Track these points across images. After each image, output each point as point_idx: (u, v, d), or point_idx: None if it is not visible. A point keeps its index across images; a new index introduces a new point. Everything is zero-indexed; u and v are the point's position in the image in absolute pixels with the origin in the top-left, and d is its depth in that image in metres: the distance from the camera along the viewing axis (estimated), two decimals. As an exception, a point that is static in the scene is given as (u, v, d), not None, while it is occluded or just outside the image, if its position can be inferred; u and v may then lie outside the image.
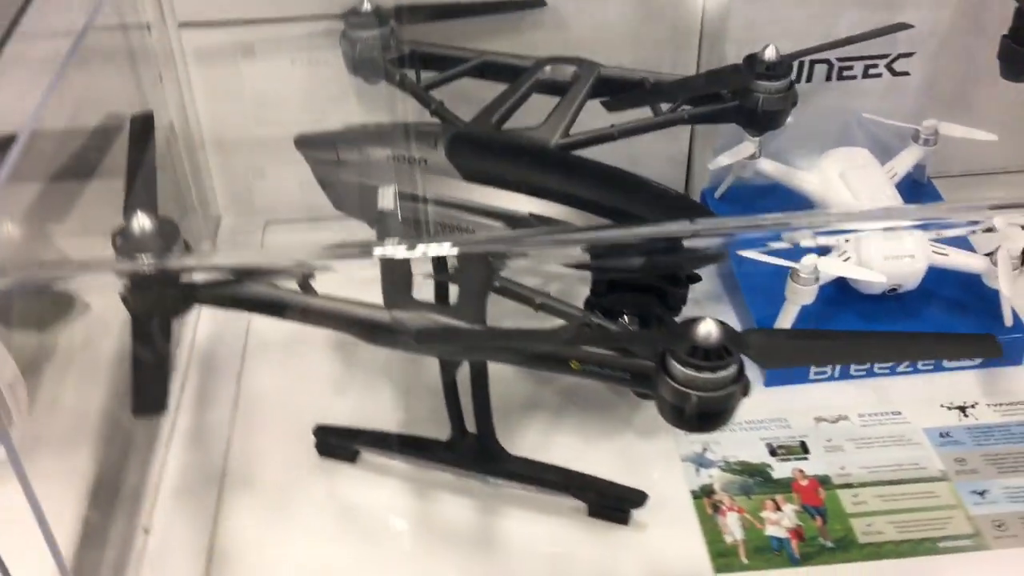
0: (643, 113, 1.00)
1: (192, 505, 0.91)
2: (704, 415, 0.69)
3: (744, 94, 0.98)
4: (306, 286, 0.76)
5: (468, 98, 1.04)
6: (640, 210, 0.87)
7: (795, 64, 1.09)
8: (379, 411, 0.99)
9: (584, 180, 0.90)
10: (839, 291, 1.03)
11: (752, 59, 0.98)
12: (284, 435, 0.97)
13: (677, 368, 0.68)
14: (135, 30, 1.08)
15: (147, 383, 0.74)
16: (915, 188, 1.16)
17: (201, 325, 1.10)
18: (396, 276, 0.79)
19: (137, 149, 0.85)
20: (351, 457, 0.95)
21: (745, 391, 0.69)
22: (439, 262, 0.81)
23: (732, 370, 0.68)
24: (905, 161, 1.10)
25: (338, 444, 0.95)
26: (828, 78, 1.12)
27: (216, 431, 0.99)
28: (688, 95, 1.00)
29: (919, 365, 1.02)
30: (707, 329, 0.67)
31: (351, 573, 0.86)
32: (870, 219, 0.87)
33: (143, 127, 0.88)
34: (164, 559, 0.87)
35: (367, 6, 1.06)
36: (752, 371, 1.02)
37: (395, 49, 1.07)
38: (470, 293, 0.77)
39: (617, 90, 1.02)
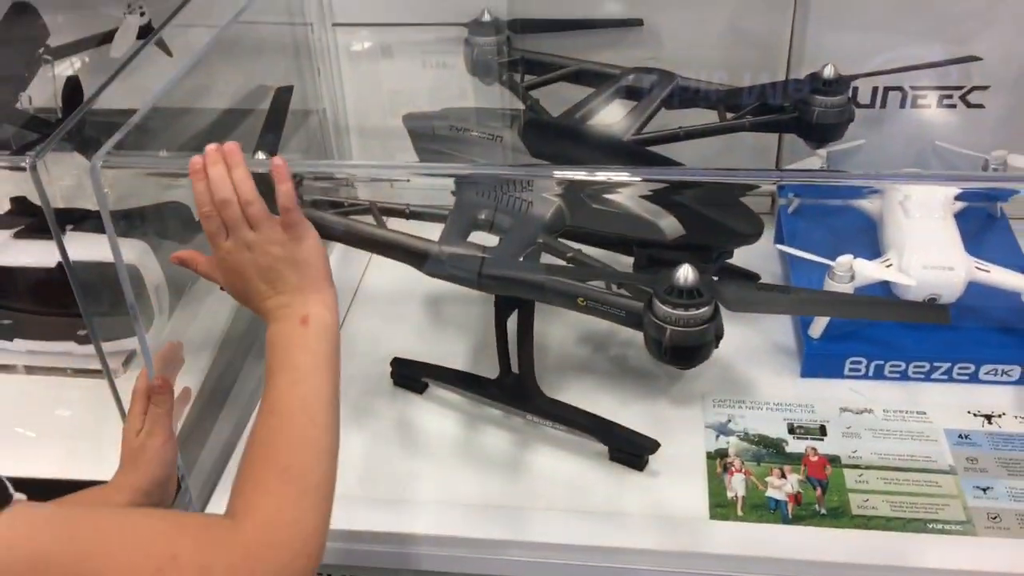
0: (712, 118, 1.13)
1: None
2: (679, 349, 0.80)
3: (802, 107, 1.08)
4: (376, 219, 0.93)
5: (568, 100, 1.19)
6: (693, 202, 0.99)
7: (872, 90, 1.18)
8: (452, 355, 1.15)
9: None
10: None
11: (813, 76, 1.08)
12: (369, 366, 1.14)
13: (658, 306, 0.79)
14: (300, 27, 1.31)
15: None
16: (988, 221, 1.21)
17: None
18: (460, 220, 0.95)
19: (275, 108, 1.06)
20: (419, 389, 1.11)
21: (718, 333, 0.80)
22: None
23: (705, 310, 0.79)
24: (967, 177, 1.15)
25: (409, 375, 1.11)
26: (902, 105, 1.19)
27: (316, 357, 1.17)
28: (750, 106, 1.11)
29: (955, 374, 1.06)
30: (685, 273, 0.79)
31: (402, 471, 1.02)
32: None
33: (283, 95, 1.09)
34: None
35: (487, 17, 1.23)
36: (790, 362, 1.12)
37: (508, 55, 1.24)
38: (512, 240, 0.92)
39: (691, 97, 1.14)
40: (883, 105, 1.20)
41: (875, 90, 1.19)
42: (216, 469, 1.04)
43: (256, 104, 1.21)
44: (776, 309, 0.95)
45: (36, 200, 0.84)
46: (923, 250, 1.05)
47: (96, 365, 0.98)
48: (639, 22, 1.23)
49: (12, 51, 1.22)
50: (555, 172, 0.85)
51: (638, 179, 0.92)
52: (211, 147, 0.77)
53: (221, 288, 0.83)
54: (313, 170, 0.96)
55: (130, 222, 1.07)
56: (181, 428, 1.01)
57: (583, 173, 0.82)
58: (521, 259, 0.94)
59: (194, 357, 1.12)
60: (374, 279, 1.30)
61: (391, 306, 1.24)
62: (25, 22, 1.23)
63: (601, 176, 0.76)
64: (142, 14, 1.24)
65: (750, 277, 1.15)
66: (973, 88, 1.17)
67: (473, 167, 0.99)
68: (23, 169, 0.76)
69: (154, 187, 1.14)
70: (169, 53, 1.14)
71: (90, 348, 1.01)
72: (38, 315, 1.10)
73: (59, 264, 0.90)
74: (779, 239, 1.22)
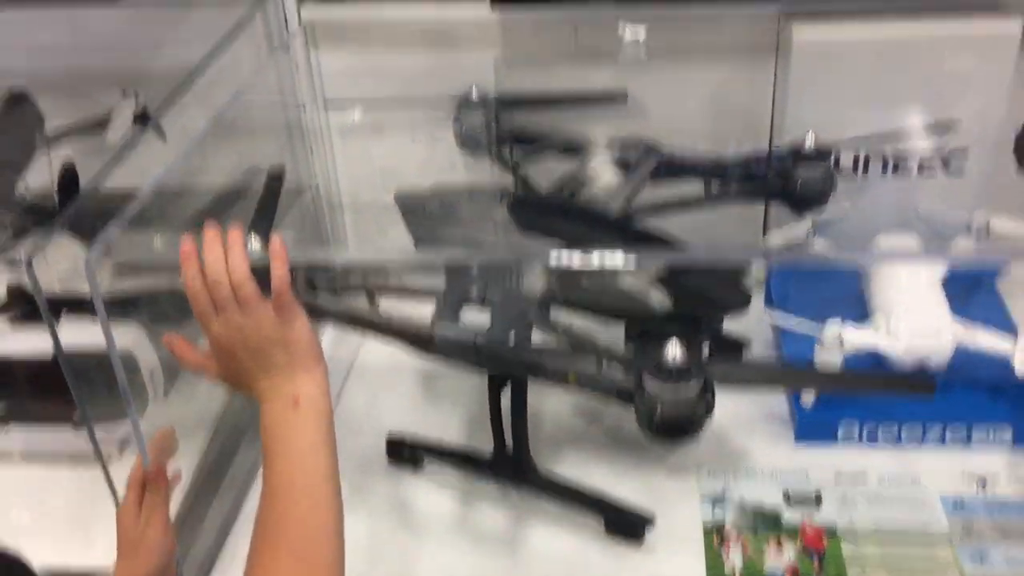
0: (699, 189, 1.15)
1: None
2: (670, 425, 0.81)
3: (786, 177, 1.10)
4: (371, 301, 0.94)
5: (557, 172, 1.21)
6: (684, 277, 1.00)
7: (854, 157, 1.20)
8: (448, 427, 1.15)
9: (627, 243, 1.04)
10: (875, 366, 1.10)
11: (795, 147, 1.10)
12: (365, 443, 1.14)
13: (648, 382, 0.80)
14: (292, 107, 1.34)
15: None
16: (974, 282, 1.22)
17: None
18: (452, 298, 0.96)
19: (267, 191, 1.08)
20: (415, 464, 1.11)
21: (709, 408, 0.80)
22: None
23: (695, 386, 0.79)
24: (954, 251, 1.17)
25: (404, 452, 1.11)
26: (884, 170, 1.21)
27: (311, 434, 1.18)
28: (735, 176, 1.13)
29: (947, 438, 1.07)
30: (673, 350, 0.79)
31: (399, 550, 1.02)
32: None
33: (275, 177, 1.11)
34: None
35: (475, 93, 1.26)
36: (783, 428, 1.13)
37: (496, 129, 1.26)
38: (503, 317, 0.93)
39: (676, 168, 1.16)
40: (865, 171, 1.21)
41: (857, 156, 1.21)
42: (211, 553, 1.04)
43: (249, 183, 1.23)
44: (765, 385, 0.96)
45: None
46: (910, 315, 1.06)
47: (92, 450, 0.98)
48: (624, 96, 1.26)
49: (9, 138, 1.24)
50: (545, 258, 0.86)
51: (630, 262, 0.92)
52: (211, 231, 0.78)
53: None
54: (310, 259, 0.97)
55: (125, 306, 1.08)
56: (177, 512, 1.01)
57: (573, 257, 0.83)
58: (513, 334, 0.95)
59: (189, 439, 1.13)
60: (369, 355, 1.31)
61: (386, 380, 1.25)
62: (21, 110, 1.25)
63: (593, 261, 0.78)
64: (137, 99, 1.26)
65: (740, 343, 1.16)
66: (953, 151, 1.19)
67: (464, 254, 1.00)
68: (19, 265, 0.77)
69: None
70: (163, 136, 1.16)
71: (86, 433, 1.01)
72: (34, 402, 1.10)
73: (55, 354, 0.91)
74: (769, 301, 1.23)
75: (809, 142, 1.09)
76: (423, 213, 1.11)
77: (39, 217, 1.14)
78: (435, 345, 0.91)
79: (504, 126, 1.27)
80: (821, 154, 1.09)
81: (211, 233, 0.78)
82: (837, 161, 1.18)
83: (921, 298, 1.09)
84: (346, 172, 1.39)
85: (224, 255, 0.77)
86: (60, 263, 1.08)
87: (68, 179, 1.15)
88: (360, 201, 1.41)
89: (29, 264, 0.77)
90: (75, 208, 0.92)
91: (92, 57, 1.34)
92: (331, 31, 1.30)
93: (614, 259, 0.81)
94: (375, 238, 1.42)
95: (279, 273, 0.76)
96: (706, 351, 0.98)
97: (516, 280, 0.98)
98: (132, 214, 0.89)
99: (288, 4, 1.28)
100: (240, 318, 0.77)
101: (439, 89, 1.28)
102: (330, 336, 1.33)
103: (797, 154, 1.10)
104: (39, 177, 1.24)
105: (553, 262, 0.88)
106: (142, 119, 1.24)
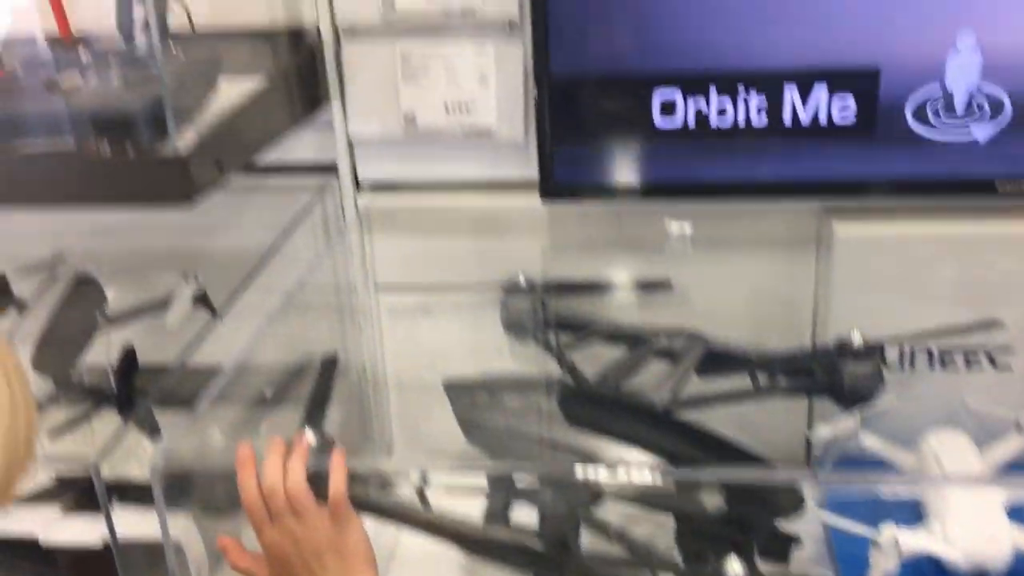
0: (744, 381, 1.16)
1: None
2: (731, 646, 0.79)
3: (833, 374, 1.11)
4: (423, 499, 0.94)
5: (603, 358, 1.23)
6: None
7: (900, 352, 1.21)
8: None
9: (674, 438, 1.05)
10: (932, 570, 1.07)
11: (841, 343, 1.11)
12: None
13: (709, 601, 0.79)
14: (344, 291, 1.38)
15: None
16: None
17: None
18: (500, 496, 0.96)
19: (321, 378, 1.10)
20: (457, 663, 1.08)
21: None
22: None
23: (754, 605, 0.78)
24: (1004, 448, 1.16)
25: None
26: (931, 366, 1.22)
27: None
28: (782, 371, 1.14)
29: (1006, 644, 1.03)
30: (734, 569, 0.78)
31: None
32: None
33: (328, 365, 1.13)
34: None
35: (522, 279, 1.29)
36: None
37: (543, 316, 1.29)
38: (553, 520, 0.93)
39: (722, 361, 1.17)
40: (912, 365, 1.22)
41: (902, 351, 1.22)
42: None
43: (300, 362, 1.26)
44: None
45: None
46: (967, 520, 1.05)
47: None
48: (668, 284, 1.28)
49: (73, 318, 1.28)
50: (571, 474, 0.88)
51: (657, 479, 0.93)
52: (276, 441, 0.80)
53: None
54: (363, 467, 0.99)
55: (175, 493, 1.09)
56: None
57: (600, 473, 0.85)
58: (561, 537, 0.95)
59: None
60: (409, 545, 1.29)
61: (426, 571, 1.23)
62: (86, 291, 1.30)
63: (620, 477, 0.80)
64: (197, 281, 1.30)
65: (789, 539, 1.14)
66: (999, 348, 1.20)
67: (504, 466, 1.02)
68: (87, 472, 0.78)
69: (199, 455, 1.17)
70: (219, 317, 1.20)
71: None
72: (78, 588, 1.10)
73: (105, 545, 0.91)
74: (820, 501, 1.22)
75: (857, 339, 1.10)
76: (471, 402, 1.13)
77: (96, 399, 1.17)
78: (486, 548, 0.91)
79: (550, 312, 1.29)
80: (868, 350, 1.10)
81: (272, 442, 0.79)
82: (883, 355, 1.19)
83: (977, 503, 1.07)
84: (393, 353, 1.41)
85: (282, 464, 0.78)
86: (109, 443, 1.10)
87: (127, 362, 1.18)
88: (406, 383, 1.42)
89: (97, 470, 0.79)
90: (144, 410, 0.94)
91: (153, 238, 1.39)
92: (385, 217, 1.36)
93: (642, 476, 0.82)
94: (420, 419, 1.43)
95: (338, 484, 0.77)
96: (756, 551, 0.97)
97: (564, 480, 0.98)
98: (199, 416, 0.91)
99: (346, 192, 1.34)
100: (295, 525, 0.78)
101: (487, 274, 1.32)
102: (369, 525, 1.32)
103: (844, 350, 1.11)
104: (98, 356, 1.27)
105: (580, 478, 0.89)
106: (201, 301, 1.28)
